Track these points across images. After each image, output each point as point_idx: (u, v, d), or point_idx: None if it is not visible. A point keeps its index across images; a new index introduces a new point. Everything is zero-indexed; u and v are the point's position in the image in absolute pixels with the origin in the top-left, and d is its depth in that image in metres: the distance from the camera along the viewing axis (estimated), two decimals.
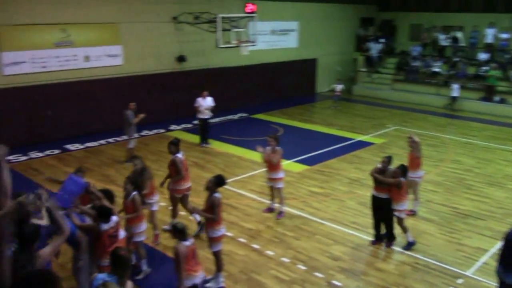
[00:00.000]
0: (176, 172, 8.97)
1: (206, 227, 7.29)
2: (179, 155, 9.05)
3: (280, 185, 10.00)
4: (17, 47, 14.57)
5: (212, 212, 7.15)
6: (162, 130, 16.90)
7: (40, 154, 14.22)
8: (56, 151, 14.55)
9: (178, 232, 6.21)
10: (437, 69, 23.31)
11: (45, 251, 4.28)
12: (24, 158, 13.80)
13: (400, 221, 8.73)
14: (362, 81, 25.74)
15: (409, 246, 8.77)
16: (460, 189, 11.87)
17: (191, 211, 9.29)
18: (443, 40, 24.57)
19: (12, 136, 14.58)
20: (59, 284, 2.76)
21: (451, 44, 24.33)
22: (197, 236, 8.84)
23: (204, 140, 15.30)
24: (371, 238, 9.05)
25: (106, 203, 6.67)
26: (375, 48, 25.76)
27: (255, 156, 13.81)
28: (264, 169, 12.33)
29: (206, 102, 14.96)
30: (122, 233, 6.99)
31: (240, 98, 20.99)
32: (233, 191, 11.33)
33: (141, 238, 7.68)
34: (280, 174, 9.96)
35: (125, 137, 13.91)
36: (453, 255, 8.63)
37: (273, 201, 10.28)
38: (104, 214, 6.43)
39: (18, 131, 14.78)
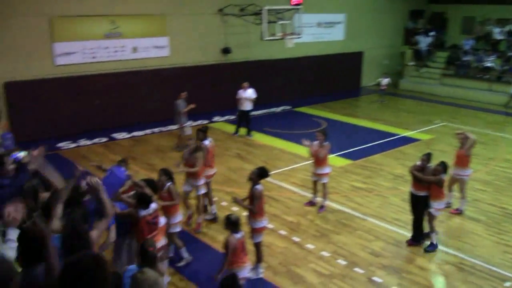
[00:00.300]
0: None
1: (249, 218, 7.38)
2: (206, 142, 9.27)
3: (325, 180, 9.99)
4: (69, 38, 15.08)
5: (252, 204, 7.23)
6: (206, 121, 17.11)
7: (89, 142, 14.72)
8: (104, 139, 15.02)
9: (231, 224, 6.34)
10: (489, 64, 22.47)
11: (93, 234, 4.46)
12: (73, 145, 14.31)
13: (431, 219, 8.52)
14: (409, 75, 25.15)
15: (430, 247, 8.51)
16: (511, 189, 11.45)
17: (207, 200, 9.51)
18: (497, 33, 23.63)
19: (63, 124, 15.18)
20: (108, 267, 2.88)
21: (506, 38, 23.37)
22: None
23: (237, 131, 15.49)
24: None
25: (147, 191, 6.82)
26: (424, 42, 25.09)
27: (297, 149, 13.81)
28: (305, 163, 12.34)
29: (247, 94, 15.06)
30: (162, 221, 7.12)
31: (283, 90, 20.97)
32: (274, 183, 11.37)
33: (176, 229, 7.79)
34: (326, 170, 9.93)
35: (175, 127, 14.24)
36: (500, 257, 8.36)
37: (315, 195, 10.25)
38: (143, 200, 6.57)
39: (68, 119, 15.32)
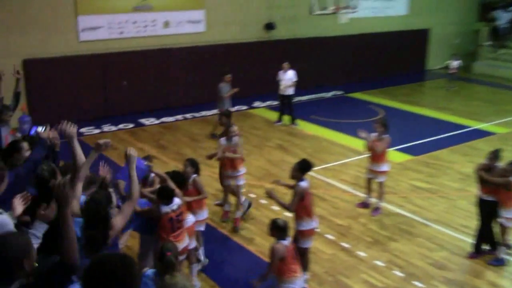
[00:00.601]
0: None
1: (295, 219, 7.31)
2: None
3: (382, 178, 9.86)
4: (94, 10, 15.40)
5: (292, 201, 7.17)
6: (244, 107, 17.16)
7: (113, 128, 15.03)
8: (130, 125, 15.33)
9: (278, 230, 6.19)
10: None
11: (117, 220, 4.54)
12: (96, 131, 14.65)
13: (503, 231, 8.22)
14: (484, 57, 24.42)
15: (494, 262, 8.21)
16: None
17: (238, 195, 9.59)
18: None
19: (86, 107, 15.51)
20: (137, 269, 2.95)
21: None
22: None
23: (280, 118, 15.52)
24: (483, 246, 8.63)
25: (171, 184, 6.84)
26: (503, 18, 24.27)
27: (350, 141, 13.69)
28: (359, 157, 12.23)
29: (287, 76, 15.05)
30: (191, 219, 7.17)
31: (335, 73, 20.77)
32: (321, 180, 11.31)
33: (201, 228, 7.81)
34: (384, 167, 9.81)
35: (210, 112, 14.52)
36: None
37: (369, 195, 10.13)
38: (164, 194, 6.55)
39: (92, 102, 15.68)
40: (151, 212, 6.62)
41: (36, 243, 4.04)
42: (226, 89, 13.71)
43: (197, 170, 7.75)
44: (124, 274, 2.86)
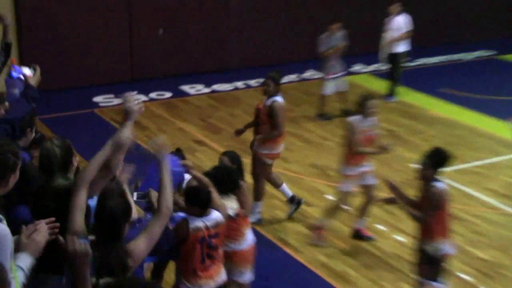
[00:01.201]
0: (272, 125, 9.52)
1: (420, 237, 7.30)
2: (279, 99, 9.49)
3: None
4: None
5: (426, 211, 7.10)
6: (339, 73, 16.90)
7: (142, 97, 15.11)
8: (167, 94, 15.53)
9: (433, 264, 6.24)
10: None
11: (138, 245, 4.52)
12: (117, 101, 14.78)
13: None
14: None
15: None
16: None
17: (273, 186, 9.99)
18: None
19: (104, 66, 15.68)
20: None
21: None
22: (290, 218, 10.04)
23: (392, 91, 15.62)
24: None
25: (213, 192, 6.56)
26: None
27: (502, 130, 13.51)
28: None
29: (395, 25, 14.93)
30: (249, 239, 7.13)
31: (481, 23, 20.49)
32: (456, 188, 11.01)
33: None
34: None
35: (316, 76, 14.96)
36: None
37: None
38: (193, 197, 6.33)
39: (111, 58, 15.94)
40: (178, 230, 6.35)
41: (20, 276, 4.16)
42: (331, 43, 13.74)
43: (239, 170, 7.57)
44: None
